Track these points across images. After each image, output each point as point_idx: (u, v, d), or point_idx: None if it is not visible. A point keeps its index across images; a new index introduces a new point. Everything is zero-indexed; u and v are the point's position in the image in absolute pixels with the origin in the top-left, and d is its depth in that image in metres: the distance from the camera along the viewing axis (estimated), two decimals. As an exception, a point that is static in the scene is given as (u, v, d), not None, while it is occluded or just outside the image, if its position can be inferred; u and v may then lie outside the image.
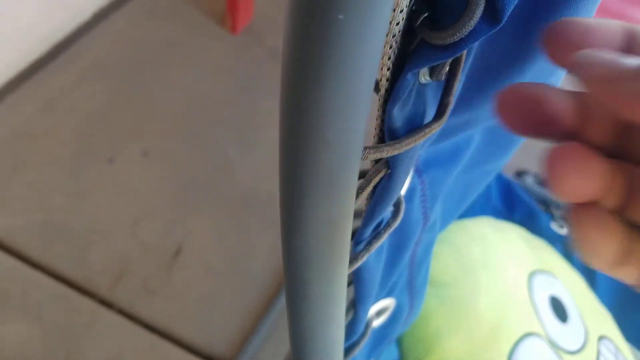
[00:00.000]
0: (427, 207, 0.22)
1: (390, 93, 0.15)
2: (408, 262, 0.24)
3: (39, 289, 0.75)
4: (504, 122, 0.16)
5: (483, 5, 0.14)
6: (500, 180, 0.62)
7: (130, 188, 0.89)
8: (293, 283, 0.15)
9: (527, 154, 0.43)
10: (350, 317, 0.21)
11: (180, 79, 1.02)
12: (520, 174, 0.68)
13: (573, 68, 0.14)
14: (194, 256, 0.84)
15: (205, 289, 0.81)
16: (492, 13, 0.14)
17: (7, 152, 0.89)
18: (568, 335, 0.43)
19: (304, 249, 0.14)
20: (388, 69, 0.15)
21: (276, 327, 0.82)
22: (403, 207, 0.19)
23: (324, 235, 0.14)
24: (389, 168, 0.16)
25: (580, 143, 0.14)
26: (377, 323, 0.25)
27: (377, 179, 0.16)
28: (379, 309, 0.24)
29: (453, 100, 0.17)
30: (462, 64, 0.16)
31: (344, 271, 0.16)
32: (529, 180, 0.66)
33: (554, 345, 0.42)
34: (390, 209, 0.19)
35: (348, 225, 0.14)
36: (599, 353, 0.44)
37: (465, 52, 0.16)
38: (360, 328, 0.22)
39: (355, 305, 0.21)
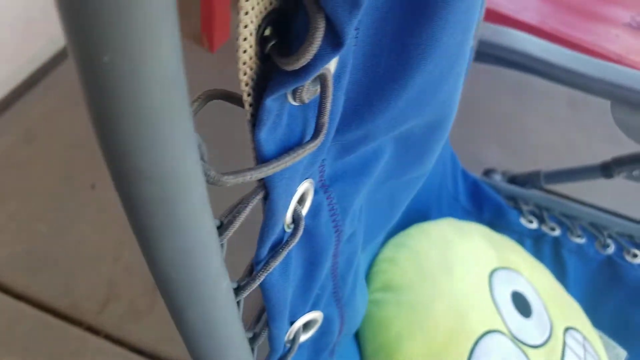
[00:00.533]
0: (338, 220, 0.23)
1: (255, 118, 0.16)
2: (330, 274, 0.25)
3: (25, 321, 0.76)
4: None
5: (323, 30, 0.14)
6: (467, 180, 0.63)
7: (114, 213, 0.90)
8: (171, 309, 0.16)
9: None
10: (265, 335, 0.22)
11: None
12: (487, 172, 0.69)
13: None
14: (178, 276, 0.84)
15: (190, 308, 0.82)
16: (333, 37, 0.14)
17: (-13, 184, 0.90)
18: (531, 329, 0.44)
19: (168, 279, 0.14)
20: (249, 95, 0.16)
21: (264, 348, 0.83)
22: (302, 224, 0.20)
23: (183, 266, 0.14)
24: (266, 189, 0.17)
25: None
26: (306, 337, 0.25)
27: (255, 200, 0.17)
28: (306, 322, 0.25)
29: (327, 120, 0.17)
30: (329, 86, 0.17)
31: (223, 295, 0.16)
32: (497, 178, 0.66)
33: (516, 340, 0.42)
34: (284, 228, 0.19)
35: (210, 254, 0.15)
36: (565, 344, 0.44)
37: (330, 73, 0.17)
38: (279, 344, 0.22)
39: (269, 323, 0.21)
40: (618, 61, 0.77)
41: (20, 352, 0.73)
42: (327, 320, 0.26)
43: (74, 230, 0.86)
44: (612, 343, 0.52)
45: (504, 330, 0.42)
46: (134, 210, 0.12)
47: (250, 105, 0.16)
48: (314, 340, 0.26)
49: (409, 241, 0.48)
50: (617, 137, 0.54)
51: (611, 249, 0.56)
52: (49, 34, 1.07)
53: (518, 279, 0.48)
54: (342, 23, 0.14)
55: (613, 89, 0.46)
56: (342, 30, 0.14)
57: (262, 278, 0.19)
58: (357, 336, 0.44)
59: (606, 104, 0.49)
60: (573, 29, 0.81)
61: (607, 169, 0.65)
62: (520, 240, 0.59)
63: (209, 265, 0.15)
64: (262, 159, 0.16)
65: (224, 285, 0.16)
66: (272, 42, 0.15)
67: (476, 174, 0.66)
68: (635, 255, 0.55)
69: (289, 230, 0.20)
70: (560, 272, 0.57)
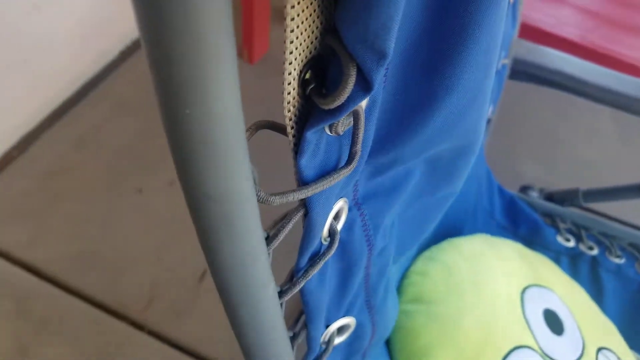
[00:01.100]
0: (370, 235, 0.25)
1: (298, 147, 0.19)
2: (363, 284, 0.27)
3: (76, 314, 0.81)
4: None
5: (354, 77, 0.16)
6: (504, 196, 0.63)
7: (158, 216, 0.95)
8: (226, 307, 0.18)
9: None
10: (304, 335, 0.24)
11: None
12: (524, 189, 0.69)
13: None
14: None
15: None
16: (364, 83, 0.17)
17: (44, 186, 0.96)
18: (563, 347, 0.44)
19: (226, 283, 0.17)
20: (292, 128, 0.18)
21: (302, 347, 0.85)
22: (337, 238, 0.22)
23: (238, 270, 0.17)
24: (306, 208, 0.19)
25: None
26: (340, 340, 0.27)
27: (296, 217, 0.19)
28: (340, 327, 0.27)
29: (360, 149, 0.20)
30: (361, 119, 0.19)
31: (269, 297, 0.19)
32: (534, 195, 0.66)
33: (546, 357, 0.43)
34: (321, 241, 0.22)
35: (260, 261, 0.17)
36: (597, 364, 0.44)
37: (361, 109, 0.19)
38: (316, 344, 0.25)
39: (307, 324, 0.24)
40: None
41: (71, 342, 0.78)
42: (359, 326, 0.28)
43: (121, 232, 0.92)
44: (649, 365, 0.51)
45: (534, 346, 0.43)
46: (202, 224, 0.15)
47: (293, 136, 0.18)
48: (347, 343, 0.28)
49: (441, 255, 0.49)
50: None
51: (650, 270, 0.55)
52: (99, 50, 1.14)
53: (551, 296, 0.48)
54: (371, 71, 0.16)
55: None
56: (371, 77, 0.17)
57: (301, 284, 0.21)
58: (388, 344, 0.46)
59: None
60: (616, 44, 0.79)
61: (649, 189, 0.64)
62: (557, 259, 0.59)
63: (258, 271, 0.17)
64: (303, 182, 0.19)
65: (271, 288, 0.18)
66: (312, 85, 0.17)
67: (513, 190, 0.67)
68: (674, 277, 0.54)
69: (325, 243, 0.22)
70: (597, 291, 0.57)
